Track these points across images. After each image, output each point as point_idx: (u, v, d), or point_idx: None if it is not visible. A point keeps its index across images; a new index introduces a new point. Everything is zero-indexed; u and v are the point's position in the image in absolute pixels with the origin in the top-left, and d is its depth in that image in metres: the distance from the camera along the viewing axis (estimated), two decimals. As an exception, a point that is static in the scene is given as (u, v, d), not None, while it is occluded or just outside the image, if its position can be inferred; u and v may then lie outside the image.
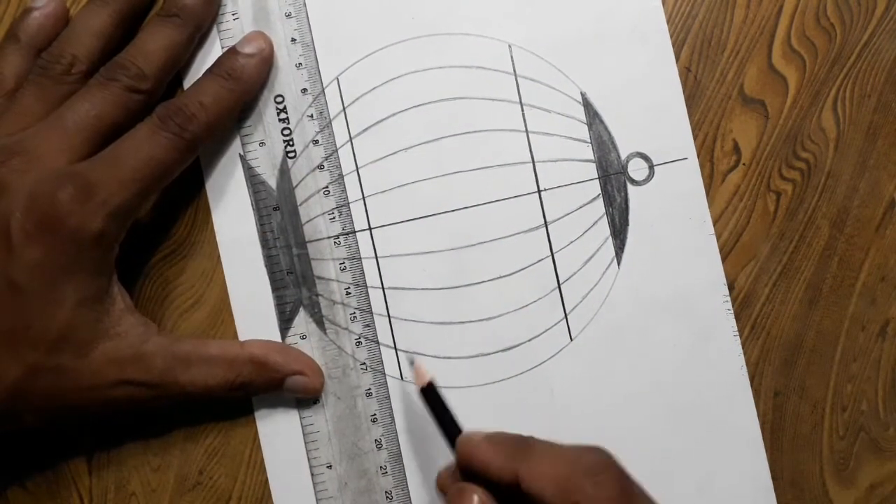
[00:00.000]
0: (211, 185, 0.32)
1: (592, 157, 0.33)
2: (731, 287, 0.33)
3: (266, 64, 0.31)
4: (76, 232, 0.27)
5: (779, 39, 0.33)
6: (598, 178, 0.33)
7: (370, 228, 0.32)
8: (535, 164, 0.33)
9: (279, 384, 0.31)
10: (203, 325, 0.32)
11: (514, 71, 0.33)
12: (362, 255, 0.32)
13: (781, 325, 0.33)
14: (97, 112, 0.28)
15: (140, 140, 0.28)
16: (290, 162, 0.32)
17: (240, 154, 0.32)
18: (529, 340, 0.33)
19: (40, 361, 0.27)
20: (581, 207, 0.33)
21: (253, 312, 0.32)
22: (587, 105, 0.33)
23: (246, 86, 0.31)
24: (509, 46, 0.33)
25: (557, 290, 0.33)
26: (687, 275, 0.33)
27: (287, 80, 0.32)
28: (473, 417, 0.32)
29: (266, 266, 0.32)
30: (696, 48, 0.33)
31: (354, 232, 0.32)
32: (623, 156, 0.33)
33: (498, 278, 0.32)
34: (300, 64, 0.32)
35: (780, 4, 0.33)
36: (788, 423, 0.33)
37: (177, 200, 0.32)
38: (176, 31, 0.30)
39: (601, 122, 0.33)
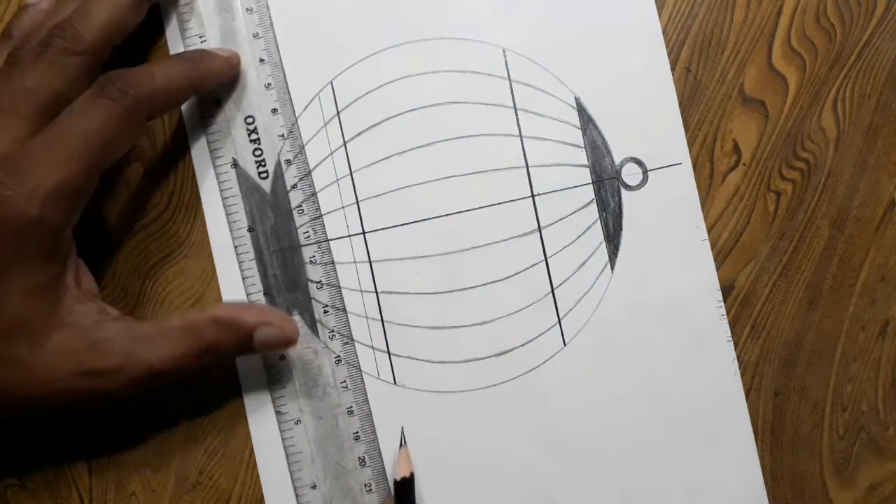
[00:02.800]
0: (204, 191, 0.32)
1: (586, 162, 0.33)
2: (731, 287, 0.33)
3: (230, 68, 0.31)
4: (13, 220, 0.26)
5: (779, 39, 0.33)
6: (592, 182, 0.33)
7: (364, 233, 0.32)
8: (529, 168, 0.33)
9: (249, 342, 0.29)
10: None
11: (508, 75, 0.33)
12: (356, 260, 0.32)
13: (781, 325, 0.33)
14: (31, 84, 0.26)
15: (75, 112, 0.26)
16: (263, 183, 0.32)
17: (231, 160, 0.32)
18: (523, 345, 0.33)
19: None
20: (575, 212, 0.33)
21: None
22: (581, 110, 0.33)
23: (203, 73, 0.30)
24: (503, 51, 0.33)
25: (551, 295, 0.33)
26: (680, 280, 0.33)
27: (257, 101, 0.32)
28: (466, 422, 0.32)
29: (243, 284, 0.32)
30: (695, 48, 0.33)
31: (328, 243, 0.32)
32: (617, 161, 0.33)
33: (491, 283, 0.32)
34: (269, 84, 0.32)
35: (780, 4, 0.33)
36: (788, 423, 0.33)
37: (176, 200, 0.32)
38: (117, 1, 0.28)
39: (595, 126, 0.33)
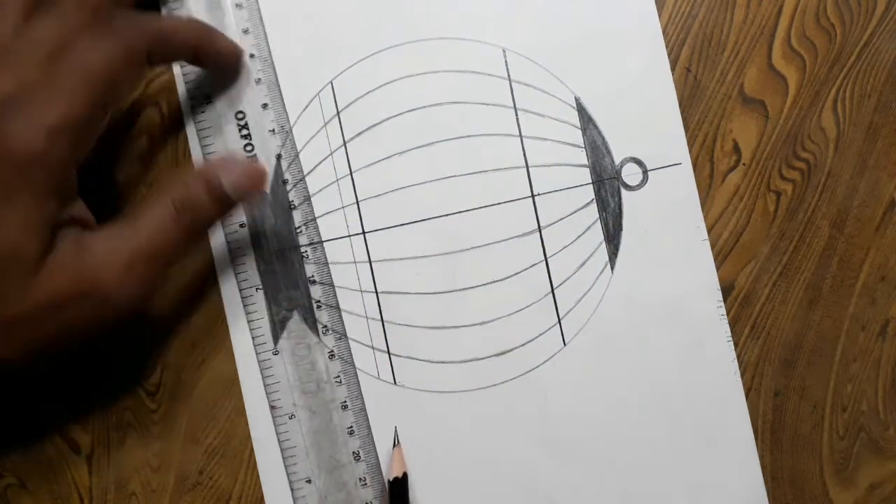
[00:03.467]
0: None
1: (586, 162, 0.33)
2: (731, 287, 0.33)
3: (234, 55, 0.31)
4: (17, 153, 0.25)
5: (779, 39, 0.33)
6: (592, 182, 0.33)
7: (364, 233, 0.32)
8: (529, 168, 0.32)
9: (223, 193, 0.28)
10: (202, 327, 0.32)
11: (508, 75, 0.33)
12: (356, 260, 0.32)
13: (781, 325, 0.33)
14: (41, 35, 0.26)
15: (80, 48, 0.26)
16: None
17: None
18: (523, 345, 0.33)
19: None
20: (575, 212, 0.33)
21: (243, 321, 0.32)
22: (581, 110, 0.33)
23: (209, 42, 0.30)
24: (503, 51, 0.33)
25: (551, 295, 0.33)
26: (681, 280, 0.33)
27: (248, 96, 0.32)
28: (466, 422, 0.32)
29: (236, 280, 0.32)
30: (695, 48, 0.33)
31: (322, 243, 0.32)
32: (617, 161, 0.33)
33: (491, 283, 0.32)
34: (259, 80, 0.32)
35: (780, 4, 0.33)
36: (788, 423, 0.33)
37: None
38: None
39: (595, 126, 0.33)
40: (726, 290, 0.33)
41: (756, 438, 0.33)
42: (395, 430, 0.32)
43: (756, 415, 0.33)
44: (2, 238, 0.26)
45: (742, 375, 0.33)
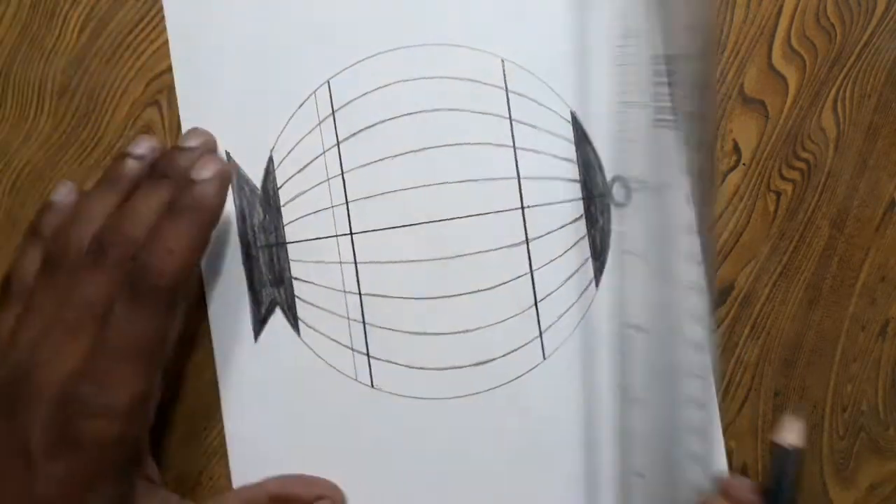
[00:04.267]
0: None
1: (578, 178, 0.33)
2: (731, 287, 0.33)
3: (226, 185, 0.28)
4: (96, 441, 0.25)
5: (779, 39, 0.33)
6: (582, 198, 0.33)
7: (351, 234, 0.32)
8: (521, 180, 0.32)
9: None
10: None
11: (506, 85, 0.32)
12: (342, 260, 0.32)
13: (781, 325, 0.33)
14: (91, 295, 0.26)
15: (124, 322, 0.26)
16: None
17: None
18: (503, 356, 0.32)
19: None
20: (563, 227, 0.32)
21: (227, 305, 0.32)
22: (576, 125, 0.33)
23: (212, 221, 0.28)
24: (502, 61, 0.32)
25: (534, 308, 0.32)
26: (666, 303, 0.32)
27: None
28: (442, 430, 0.32)
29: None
30: (695, 48, 0.33)
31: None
32: (608, 178, 0.33)
33: (476, 292, 0.32)
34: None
35: (780, 4, 0.33)
36: (788, 423, 0.33)
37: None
38: (196, 232, 0.27)
39: (589, 142, 0.33)
40: (726, 291, 0.33)
41: (756, 439, 0.33)
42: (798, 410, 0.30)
43: (756, 415, 0.33)
44: None
45: (742, 375, 0.33)
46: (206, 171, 0.27)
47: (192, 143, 0.30)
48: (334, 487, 0.31)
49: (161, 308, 0.26)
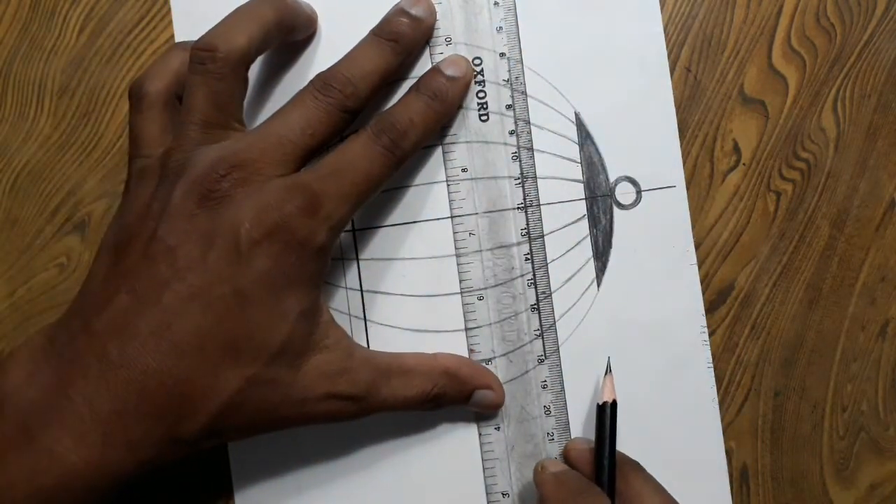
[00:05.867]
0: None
1: (581, 178, 0.33)
2: (731, 287, 0.33)
3: (467, 88, 0.32)
4: (303, 244, 0.27)
5: (779, 39, 0.33)
6: (585, 198, 0.33)
7: (354, 230, 0.32)
8: (524, 179, 0.32)
9: (467, 398, 0.31)
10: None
11: (511, 84, 0.32)
12: (344, 257, 0.32)
13: (781, 325, 0.33)
14: (312, 130, 0.28)
15: (356, 154, 0.28)
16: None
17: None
18: (503, 355, 0.32)
19: (259, 373, 0.27)
20: (565, 227, 0.32)
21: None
22: (580, 125, 0.32)
23: (449, 108, 0.31)
24: (508, 59, 0.32)
25: (536, 308, 0.32)
26: (666, 302, 0.32)
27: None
28: (439, 428, 0.32)
29: None
30: (696, 48, 0.33)
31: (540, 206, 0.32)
32: (611, 179, 0.33)
33: (477, 290, 0.32)
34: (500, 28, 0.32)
35: (780, 4, 0.33)
36: (788, 423, 0.33)
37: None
38: (392, 57, 0.30)
39: (593, 143, 0.33)
40: (726, 291, 0.33)
41: (756, 438, 0.33)
42: (609, 360, 0.31)
43: (756, 415, 0.33)
44: (283, 327, 0.27)
45: (742, 375, 0.33)
46: (454, 70, 0.31)
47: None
48: (498, 381, 0.32)
49: (390, 162, 0.28)
